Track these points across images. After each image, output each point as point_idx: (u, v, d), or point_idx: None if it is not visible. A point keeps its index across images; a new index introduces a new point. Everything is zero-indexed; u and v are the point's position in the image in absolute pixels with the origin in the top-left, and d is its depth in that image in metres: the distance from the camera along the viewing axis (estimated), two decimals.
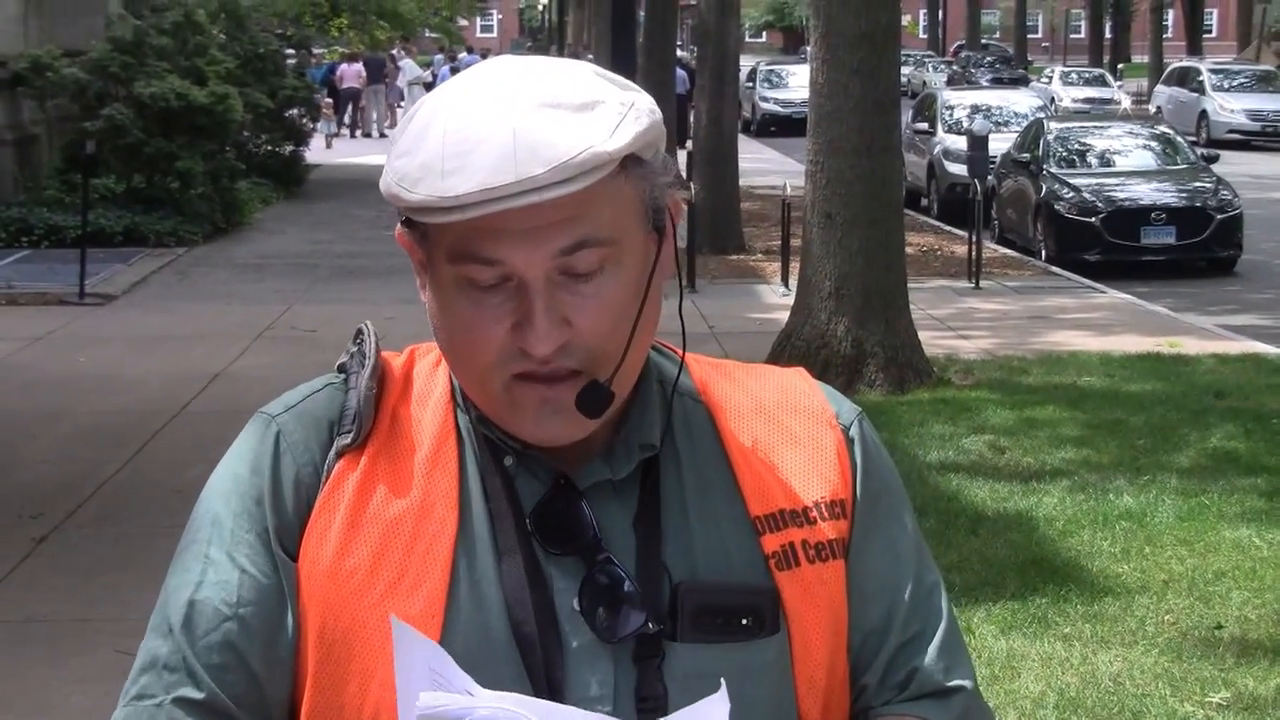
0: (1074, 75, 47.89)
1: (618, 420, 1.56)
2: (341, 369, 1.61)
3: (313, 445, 1.57)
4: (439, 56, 47.66)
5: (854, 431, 1.64)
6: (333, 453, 1.57)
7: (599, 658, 1.50)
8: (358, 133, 37.10)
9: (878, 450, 1.66)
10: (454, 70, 40.71)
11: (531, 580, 1.52)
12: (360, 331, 1.62)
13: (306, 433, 1.58)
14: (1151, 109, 38.05)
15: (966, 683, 1.62)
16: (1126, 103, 40.94)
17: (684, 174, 17.10)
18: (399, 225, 1.53)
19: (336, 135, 34.48)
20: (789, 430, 1.62)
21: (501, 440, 1.56)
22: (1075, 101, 42.23)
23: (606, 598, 1.50)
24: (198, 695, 1.50)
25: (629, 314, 1.50)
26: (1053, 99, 37.45)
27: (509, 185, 1.40)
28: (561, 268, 1.46)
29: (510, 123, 1.43)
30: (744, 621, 1.53)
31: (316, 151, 28.29)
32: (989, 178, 18.33)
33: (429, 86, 33.14)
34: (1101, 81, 46.63)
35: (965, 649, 1.66)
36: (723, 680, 1.40)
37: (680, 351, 1.64)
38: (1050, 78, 48.17)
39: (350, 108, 37.33)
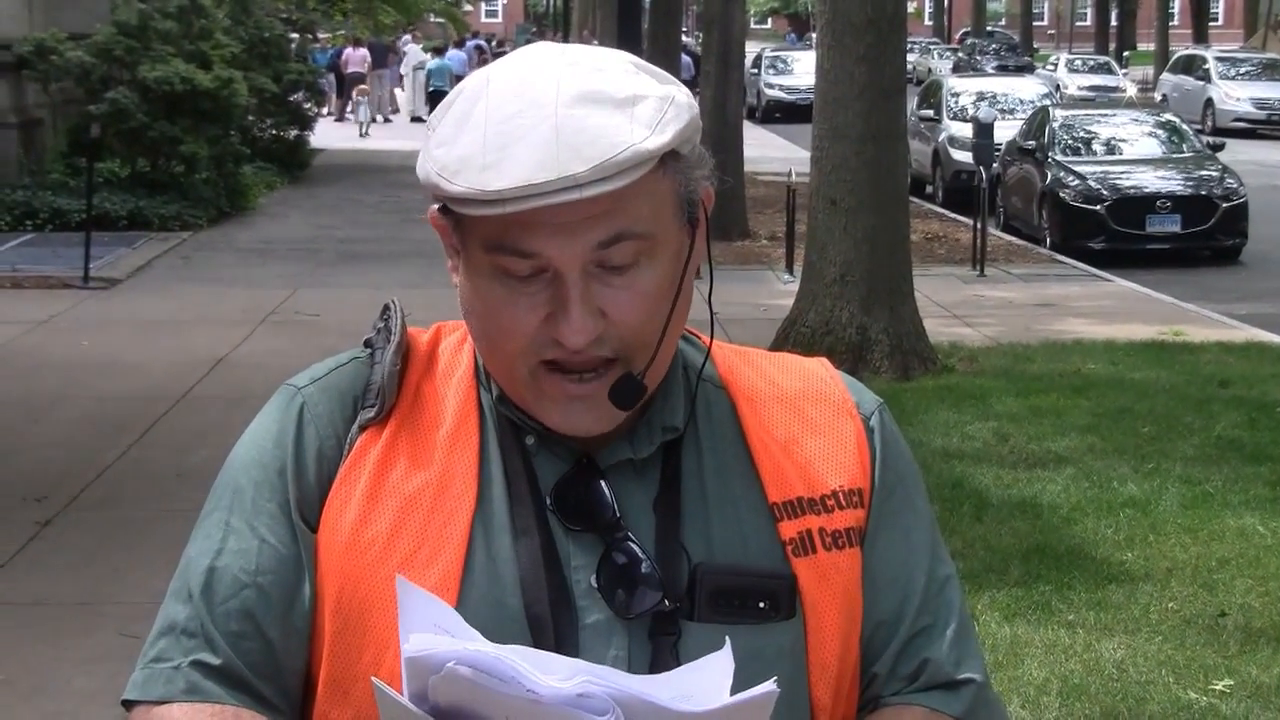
0: (1079, 63, 47.80)
1: (642, 403, 1.56)
2: (368, 344, 1.63)
3: (336, 418, 1.59)
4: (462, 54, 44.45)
5: (874, 421, 1.65)
6: (356, 426, 1.58)
7: (614, 633, 1.51)
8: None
9: (896, 441, 1.66)
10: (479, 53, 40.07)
11: (547, 558, 1.53)
12: (387, 307, 1.64)
13: (330, 405, 1.60)
14: (1157, 97, 37.98)
15: (977, 675, 1.63)
16: (1132, 90, 40.84)
17: None
18: (433, 208, 1.53)
19: (372, 121, 34.27)
20: (809, 419, 1.63)
21: (522, 421, 1.57)
22: (1080, 89, 42.18)
23: (624, 576, 1.51)
24: (215, 661, 1.52)
25: (663, 306, 1.50)
26: (1058, 86, 37.44)
27: (550, 182, 1.40)
28: (598, 260, 1.46)
29: (552, 117, 1.43)
30: (760, 605, 1.54)
31: (322, 136, 28.22)
32: (994, 165, 18.30)
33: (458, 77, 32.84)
34: (1107, 69, 46.57)
35: (977, 642, 1.66)
36: (727, 638, 1.39)
37: (705, 338, 1.64)
38: (1056, 65, 48.10)
39: (355, 92, 37.30)
